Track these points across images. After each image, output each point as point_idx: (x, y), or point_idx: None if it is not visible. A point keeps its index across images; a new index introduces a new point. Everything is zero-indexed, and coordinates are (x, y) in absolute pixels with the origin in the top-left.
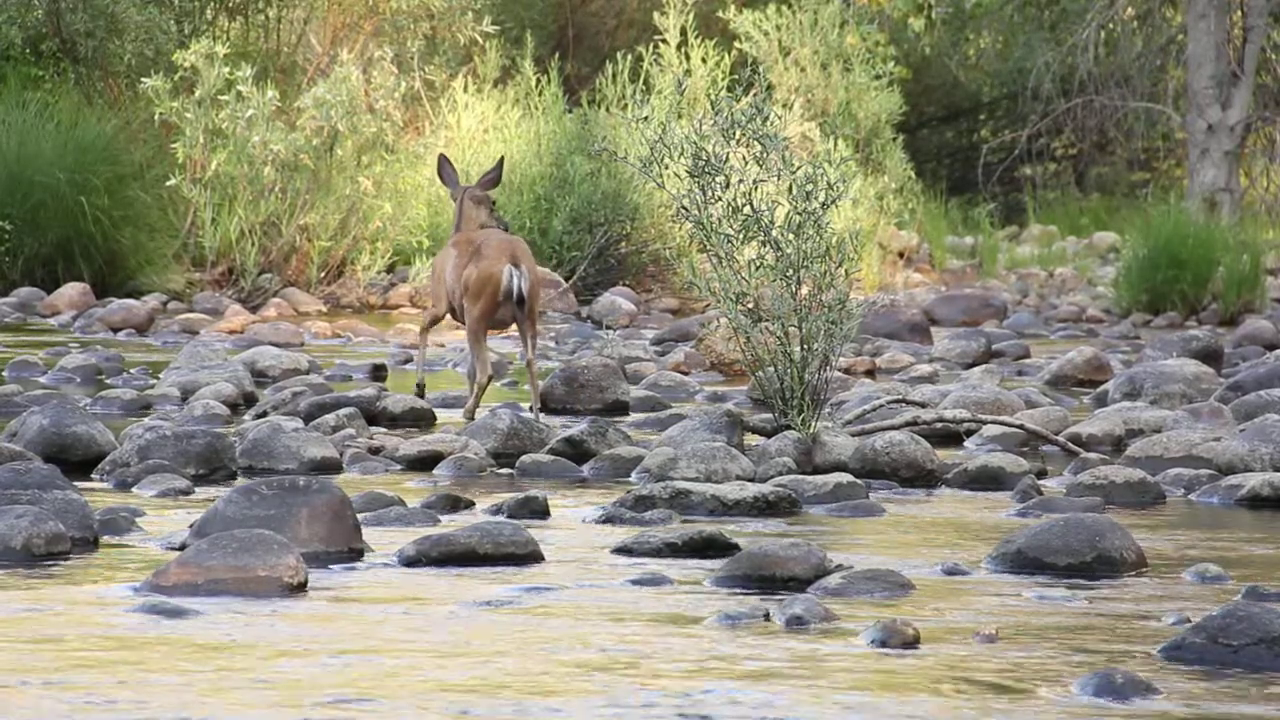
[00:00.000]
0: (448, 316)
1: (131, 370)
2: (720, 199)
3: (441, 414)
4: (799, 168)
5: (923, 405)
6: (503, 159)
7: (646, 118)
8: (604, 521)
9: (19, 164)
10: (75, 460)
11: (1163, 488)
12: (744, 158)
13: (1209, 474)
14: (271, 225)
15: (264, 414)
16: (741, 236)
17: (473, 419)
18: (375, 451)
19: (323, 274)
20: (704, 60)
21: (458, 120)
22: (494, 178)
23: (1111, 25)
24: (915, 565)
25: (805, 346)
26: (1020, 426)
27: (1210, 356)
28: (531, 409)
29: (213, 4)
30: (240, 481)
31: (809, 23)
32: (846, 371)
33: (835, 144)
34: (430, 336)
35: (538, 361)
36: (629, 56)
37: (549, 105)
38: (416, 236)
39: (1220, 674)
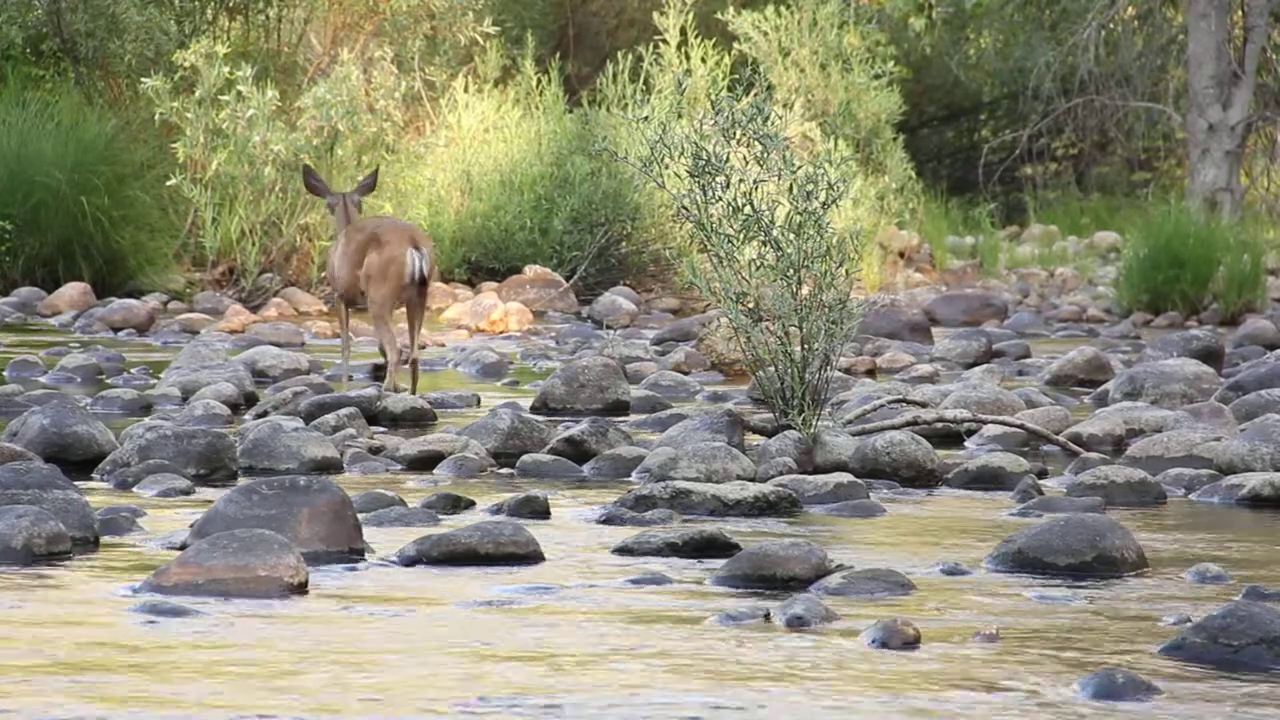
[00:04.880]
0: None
1: (132, 370)
2: (721, 199)
3: (442, 414)
4: (799, 167)
5: (923, 405)
6: (378, 168)
7: (647, 117)
8: (604, 521)
9: (19, 164)
10: (76, 460)
11: (1163, 487)
12: (744, 157)
13: (1209, 474)
14: (272, 225)
15: (264, 414)
16: (742, 236)
17: (395, 392)
18: (376, 451)
19: (323, 274)
20: (704, 60)
21: (458, 120)
22: (369, 184)
23: (1112, 25)
24: (916, 565)
25: (806, 346)
26: (1021, 426)
27: (1211, 356)
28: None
29: (213, 4)
30: (241, 481)
31: (808, 23)
32: (847, 371)
33: (835, 144)
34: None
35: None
36: (629, 56)
37: (549, 105)
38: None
39: (1221, 674)
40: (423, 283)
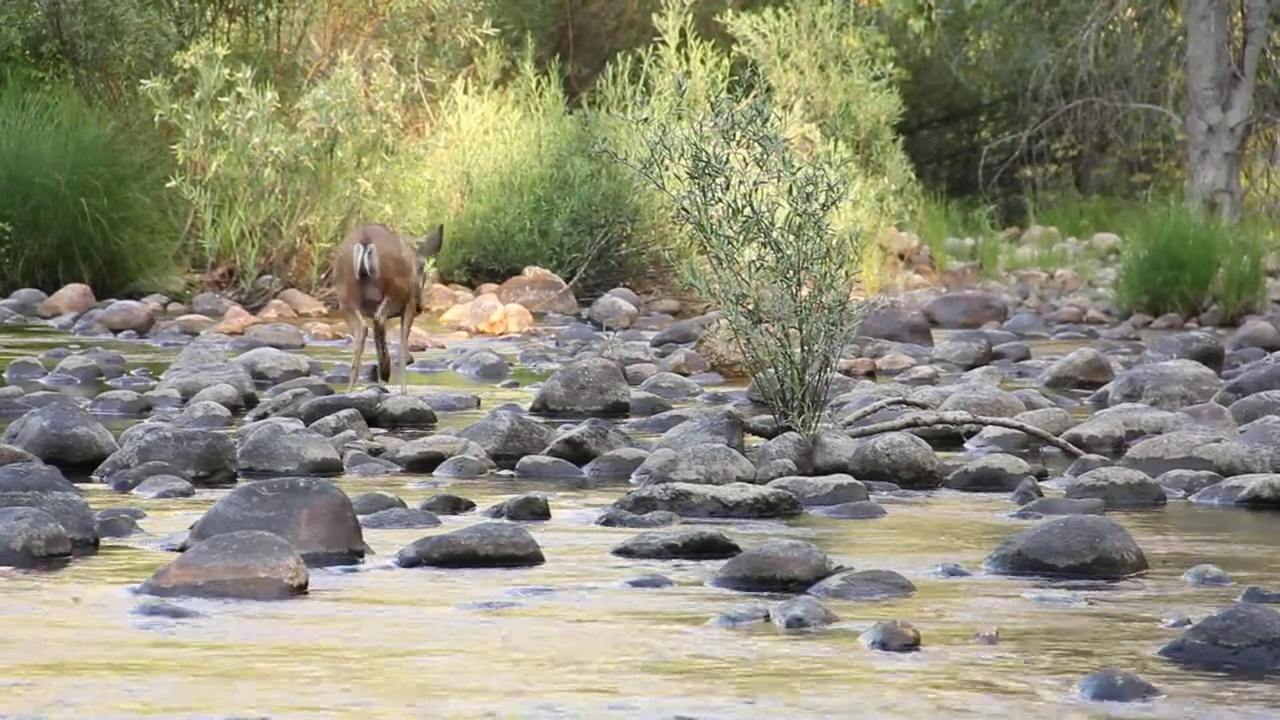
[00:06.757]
0: (413, 311)
1: (132, 372)
2: (720, 200)
3: (442, 416)
4: (799, 169)
5: (923, 406)
6: (442, 227)
7: (647, 119)
8: (604, 523)
9: (19, 165)
10: (75, 461)
11: (1163, 489)
12: (744, 159)
13: (1209, 475)
14: (272, 227)
15: (264, 415)
16: (742, 238)
17: (349, 388)
18: (375, 453)
19: (323, 275)
20: (703, 62)
21: (458, 122)
22: (435, 244)
23: (1111, 26)
24: (915, 566)
25: (805, 348)
26: (1020, 428)
27: (1210, 358)
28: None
29: (212, 5)
30: (241, 483)
31: (807, 25)
32: (847, 373)
33: (835, 145)
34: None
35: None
36: (629, 58)
37: (549, 106)
38: (417, 238)
39: (1220, 676)
40: (364, 276)
